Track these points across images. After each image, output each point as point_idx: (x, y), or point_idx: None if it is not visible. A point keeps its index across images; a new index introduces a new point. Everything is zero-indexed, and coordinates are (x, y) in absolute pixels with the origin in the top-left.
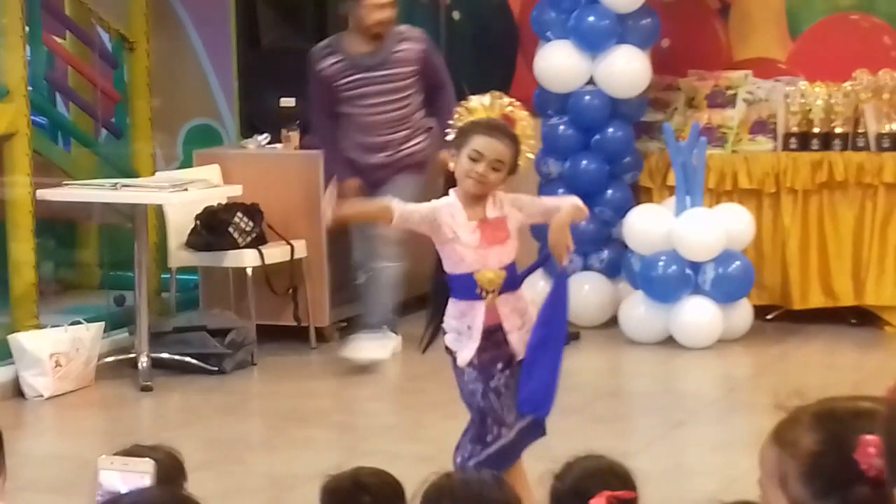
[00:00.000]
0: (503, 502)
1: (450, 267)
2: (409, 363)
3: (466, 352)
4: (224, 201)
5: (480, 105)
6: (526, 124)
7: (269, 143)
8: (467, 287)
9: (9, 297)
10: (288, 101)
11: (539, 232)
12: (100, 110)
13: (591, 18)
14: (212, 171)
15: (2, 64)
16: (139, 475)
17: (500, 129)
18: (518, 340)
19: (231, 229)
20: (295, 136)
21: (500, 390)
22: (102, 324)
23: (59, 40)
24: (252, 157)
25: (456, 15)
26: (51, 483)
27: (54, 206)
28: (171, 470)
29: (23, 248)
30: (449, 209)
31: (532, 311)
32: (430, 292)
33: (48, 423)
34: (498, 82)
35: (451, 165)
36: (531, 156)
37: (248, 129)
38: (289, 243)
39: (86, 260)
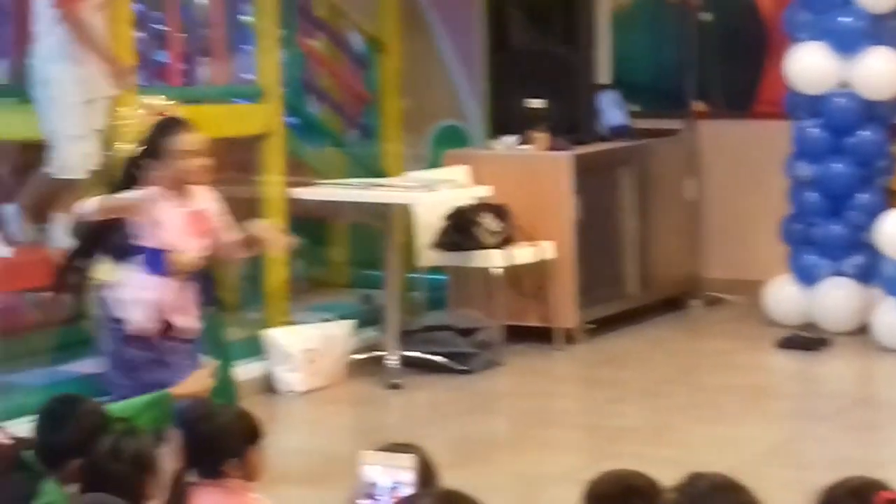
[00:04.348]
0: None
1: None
2: (657, 365)
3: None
4: (473, 202)
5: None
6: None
7: (518, 144)
8: None
9: (262, 294)
10: (536, 103)
11: (787, 233)
12: (350, 111)
13: (845, 19)
14: (461, 172)
15: (258, 66)
16: (402, 470)
17: None
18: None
19: (479, 230)
20: (543, 137)
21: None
22: (354, 321)
23: (311, 42)
24: (501, 158)
25: (705, 17)
26: (302, 476)
27: (306, 204)
28: (425, 468)
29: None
30: None
31: None
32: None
33: (300, 417)
34: (746, 84)
35: None
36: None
37: (496, 130)
38: (537, 244)
39: (336, 258)
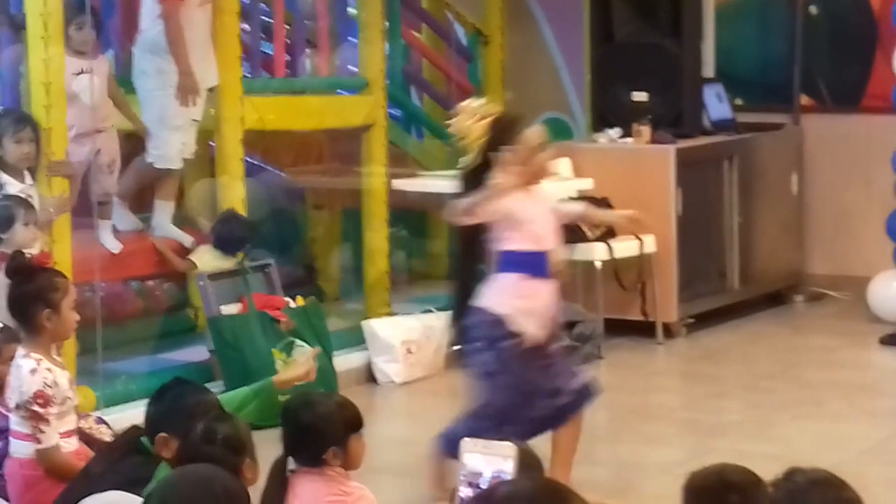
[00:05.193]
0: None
1: None
2: (758, 361)
3: None
4: (574, 195)
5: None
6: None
7: (621, 137)
8: None
9: (363, 285)
10: (640, 96)
11: (893, 229)
12: (454, 103)
13: None
14: (563, 165)
15: (362, 58)
16: (502, 458)
17: None
18: None
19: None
20: (646, 130)
21: None
22: (452, 312)
23: (415, 34)
24: (603, 151)
25: (813, 9)
26: (401, 465)
27: (408, 195)
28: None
29: (377, 237)
30: None
31: None
32: None
33: (399, 408)
34: (854, 78)
35: None
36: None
37: (599, 122)
38: (638, 238)
39: (436, 250)
